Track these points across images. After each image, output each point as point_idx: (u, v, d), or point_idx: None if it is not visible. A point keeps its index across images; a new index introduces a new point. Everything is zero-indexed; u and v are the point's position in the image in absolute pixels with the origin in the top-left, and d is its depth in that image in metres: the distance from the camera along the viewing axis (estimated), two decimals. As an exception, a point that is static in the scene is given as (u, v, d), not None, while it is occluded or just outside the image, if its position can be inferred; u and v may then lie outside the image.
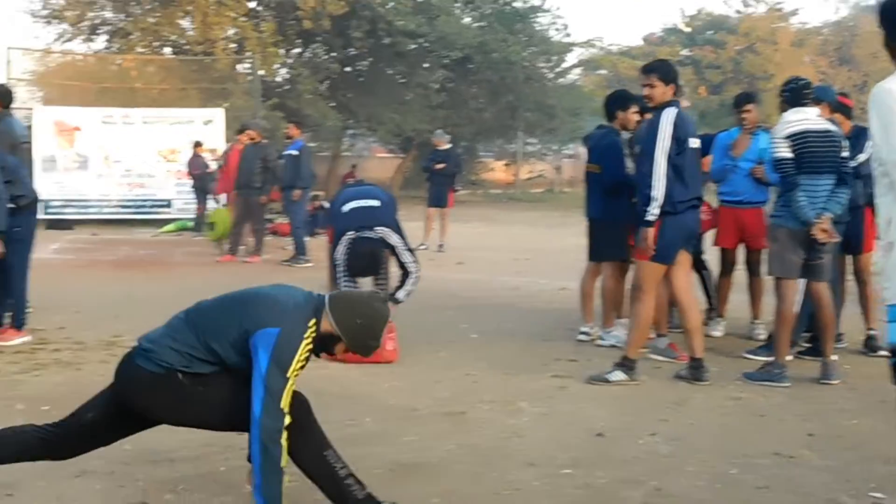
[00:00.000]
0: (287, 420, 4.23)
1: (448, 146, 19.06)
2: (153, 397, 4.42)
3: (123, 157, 23.17)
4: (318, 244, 15.95)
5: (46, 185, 21.33)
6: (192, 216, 21.59)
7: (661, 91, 7.47)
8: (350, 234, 8.31)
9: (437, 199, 18.46)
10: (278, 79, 32.93)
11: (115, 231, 21.33)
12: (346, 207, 8.55)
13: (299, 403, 4.43)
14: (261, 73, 27.87)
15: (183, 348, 4.35)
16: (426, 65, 34.08)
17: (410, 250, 8.47)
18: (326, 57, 33.50)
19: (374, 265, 8.45)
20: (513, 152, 45.14)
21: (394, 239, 8.33)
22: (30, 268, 8.93)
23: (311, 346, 4.35)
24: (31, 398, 6.66)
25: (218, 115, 23.82)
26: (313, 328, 4.35)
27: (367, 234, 8.28)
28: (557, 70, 38.55)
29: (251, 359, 4.25)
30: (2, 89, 11.17)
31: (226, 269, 14.90)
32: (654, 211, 7.30)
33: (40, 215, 21.10)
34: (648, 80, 7.51)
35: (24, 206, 8.72)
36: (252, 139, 16.13)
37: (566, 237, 18.63)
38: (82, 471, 4.92)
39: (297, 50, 33.41)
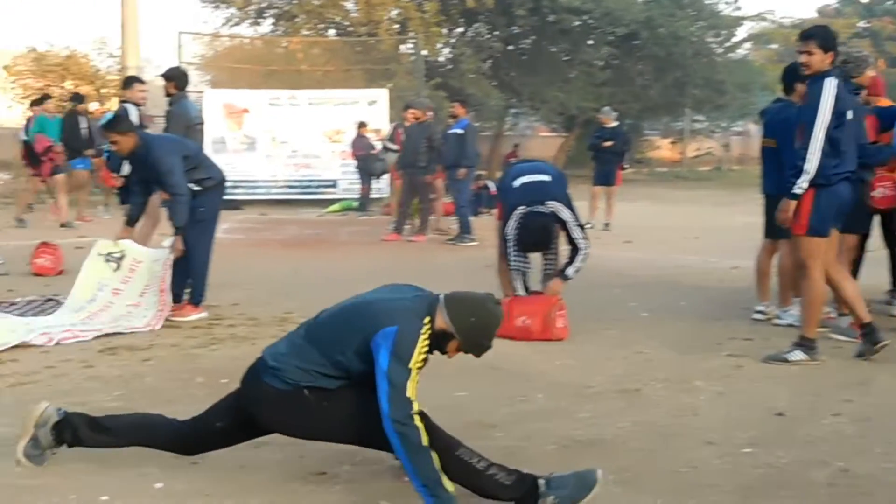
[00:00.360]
0: (416, 406, 4.25)
1: (615, 123, 18.76)
2: (280, 413, 4.56)
3: (290, 139, 23.46)
4: (481, 223, 15.99)
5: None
6: (357, 196, 21.75)
7: (820, 59, 7.14)
8: (521, 209, 8.20)
9: (604, 178, 18.18)
10: (441, 58, 33.01)
11: (281, 211, 21.65)
12: (517, 182, 8.45)
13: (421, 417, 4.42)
14: (424, 53, 27.98)
15: (308, 366, 4.46)
16: (590, 42, 33.58)
17: (581, 226, 8.32)
18: (489, 36, 33.33)
19: (544, 240, 8.33)
20: (679, 130, 44.43)
21: (565, 214, 8.20)
22: (212, 247, 9.14)
23: (428, 342, 4.38)
24: (209, 371, 6.78)
25: (382, 95, 23.92)
26: (428, 325, 4.40)
27: (539, 208, 8.16)
28: (727, 45, 37.64)
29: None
30: (177, 72, 11.44)
31: (391, 247, 15.00)
32: (802, 185, 7.05)
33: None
34: (806, 47, 7.20)
35: (210, 187, 8.91)
36: (416, 118, 16.14)
37: (735, 215, 18.30)
38: (262, 442, 4.93)
39: (460, 29, 33.35)
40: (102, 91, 26.54)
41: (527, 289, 8.46)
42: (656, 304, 9.81)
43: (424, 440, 4.20)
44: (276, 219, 20.12)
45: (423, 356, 4.34)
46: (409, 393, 4.23)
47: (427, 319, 4.40)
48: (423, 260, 13.39)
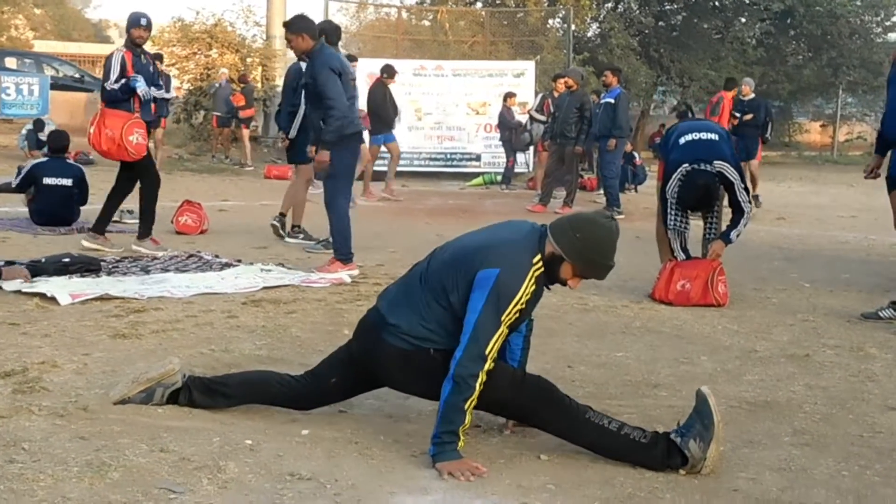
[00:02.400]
0: (489, 365, 3.98)
1: (752, 95, 17.76)
2: (403, 373, 4.30)
3: (434, 110, 23.13)
4: (627, 199, 15.62)
5: (360, 138, 21.75)
6: (500, 170, 21.36)
7: None
8: (685, 167, 7.78)
9: (744, 152, 17.11)
10: (589, 33, 32.43)
11: (423, 183, 21.39)
12: (683, 140, 8.00)
13: (543, 386, 4.19)
14: (573, 27, 27.48)
15: (433, 325, 4.15)
16: (743, 18, 32.72)
17: (746, 189, 7.87)
18: (640, 11, 32.65)
19: (707, 199, 7.88)
20: (829, 113, 43.01)
21: (733, 175, 7.76)
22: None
23: (534, 288, 4.08)
24: (355, 325, 6.54)
25: (529, 67, 23.43)
26: (538, 264, 4.11)
27: (705, 167, 7.72)
28: (886, 24, 36.22)
29: None
30: (330, 25, 11.19)
31: (536, 218, 14.45)
32: None
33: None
34: None
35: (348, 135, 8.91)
36: (568, 87, 15.77)
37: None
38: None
39: (610, 3, 32.74)
40: (248, 60, 26.67)
41: (685, 250, 8.03)
42: (818, 276, 9.37)
43: (468, 405, 3.94)
44: (418, 190, 19.89)
45: (520, 308, 4.02)
46: (489, 349, 3.95)
47: (538, 258, 4.10)
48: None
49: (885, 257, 10.85)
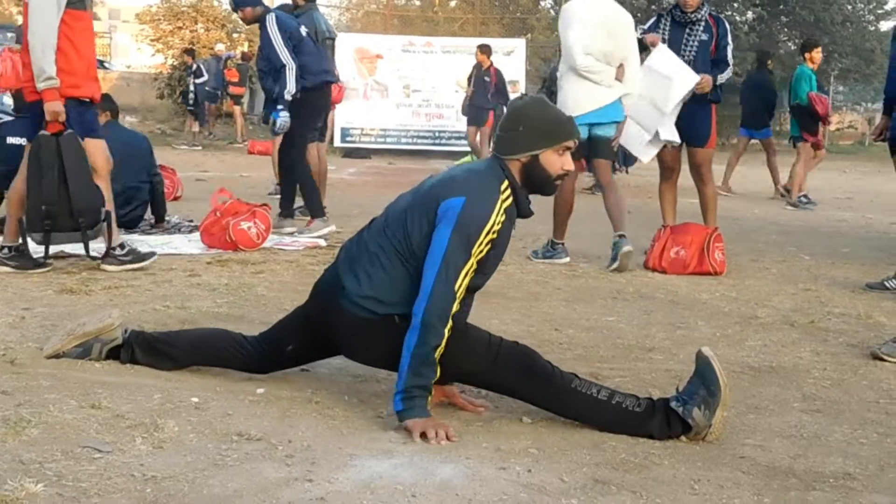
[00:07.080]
0: (456, 307, 3.55)
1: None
2: (364, 344, 3.82)
3: (423, 87, 22.61)
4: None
5: (346, 113, 21.14)
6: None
7: None
8: None
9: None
10: (581, 15, 31.98)
11: (410, 161, 20.94)
12: None
13: (521, 353, 3.72)
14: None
15: (398, 284, 3.68)
16: (736, 3, 32.29)
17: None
18: (631, -7, 32.23)
19: None
20: (822, 101, 42.61)
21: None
22: None
23: (503, 219, 3.64)
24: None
25: (520, 45, 22.98)
26: (506, 193, 3.68)
27: None
28: (878, 12, 35.81)
29: None
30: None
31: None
32: None
33: (338, 143, 21.20)
34: None
35: None
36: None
37: (885, 183, 17.16)
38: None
39: (599, -14, 32.34)
40: (234, 35, 26.29)
41: None
42: (817, 250, 8.95)
43: (439, 352, 3.52)
44: (404, 167, 19.40)
45: (490, 239, 3.59)
46: (458, 286, 3.52)
47: (505, 184, 3.67)
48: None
49: (885, 234, 10.50)
